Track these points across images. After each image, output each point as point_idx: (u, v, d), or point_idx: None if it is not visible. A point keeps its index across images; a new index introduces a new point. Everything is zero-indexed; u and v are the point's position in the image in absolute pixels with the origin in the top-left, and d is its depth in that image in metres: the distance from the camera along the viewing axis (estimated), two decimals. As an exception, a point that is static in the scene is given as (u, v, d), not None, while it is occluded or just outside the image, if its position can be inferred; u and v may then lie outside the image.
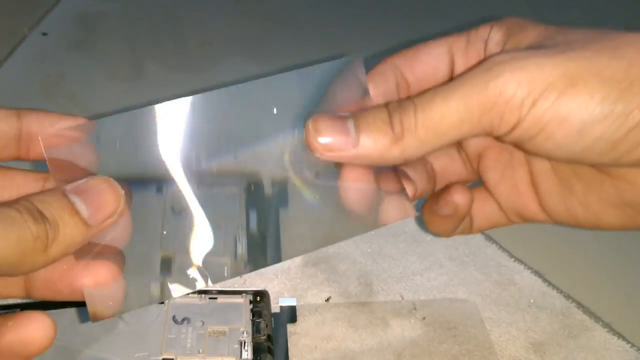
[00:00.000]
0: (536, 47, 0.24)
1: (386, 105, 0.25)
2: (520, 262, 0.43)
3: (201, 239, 0.26)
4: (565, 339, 0.38)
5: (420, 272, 0.42)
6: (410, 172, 0.30)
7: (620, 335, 0.38)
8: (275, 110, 0.28)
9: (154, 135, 0.26)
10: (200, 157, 0.26)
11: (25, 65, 0.66)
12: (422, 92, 0.25)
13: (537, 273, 0.42)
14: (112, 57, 0.69)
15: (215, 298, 0.37)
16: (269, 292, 0.38)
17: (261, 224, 0.27)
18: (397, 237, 0.45)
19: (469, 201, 0.29)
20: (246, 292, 0.38)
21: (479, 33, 0.28)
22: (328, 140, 0.25)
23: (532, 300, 0.40)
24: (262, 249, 0.27)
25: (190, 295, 0.37)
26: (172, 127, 0.26)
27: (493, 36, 0.28)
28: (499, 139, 0.25)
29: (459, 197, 0.29)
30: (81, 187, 0.23)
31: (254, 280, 0.41)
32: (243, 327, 0.35)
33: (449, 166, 0.32)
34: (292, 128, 0.27)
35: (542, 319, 0.39)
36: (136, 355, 0.33)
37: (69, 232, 0.22)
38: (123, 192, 0.24)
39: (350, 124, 0.25)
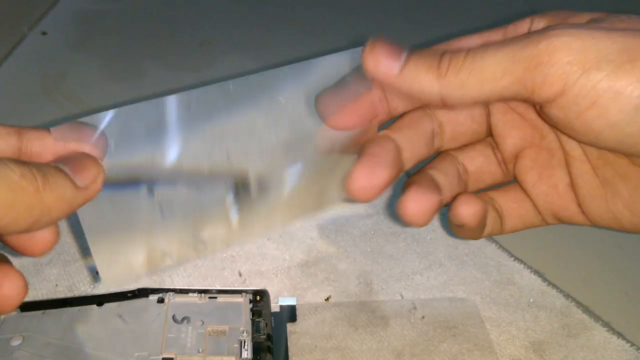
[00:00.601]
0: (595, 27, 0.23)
1: (442, 50, 0.25)
2: (520, 261, 0.43)
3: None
4: (565, 338, 0.38)
5: (420, 272, 0.42)
6: (440, 176, 0.30)
7: (620, 335, 0.38)
8: (282, 101, 0.28)
9: (149, 130, 0.27)
10: (192, 154, 0.27)
11: (25, 64, 0.66)
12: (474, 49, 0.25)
13: (536, 272, 0.42)
14: (112, 57, 0.69)
15: (215, 297, 0.37)
16: (269, 292, 0.38)
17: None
18: (397, 236, 0.45)
19: (477, 212, 0.28)
20: (246, 291, 0.38)
21: (518, 28, 0.28)
22: (381, 59, 0.26)
23: (531, 300, 0.40)
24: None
25: (189, 294, 0.37)
26: (168, 122, 0.27)
27: (536, 26, 0.27)
28: (543, 112, 0.24)
29: (463, 209, 0.28)
30: (62, 158, 0.24)
31: (254, 280, 0.41)
32: (243, 327, 0.35)
33: (484, 167, 0.31)
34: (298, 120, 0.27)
35: (542, 318, 0.39)
36: (136, 354, 0.33)
37: (59, 183, 0.22)
38: (101, 163, 0.24)
39: (404, 53, 0.26)
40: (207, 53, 0.71)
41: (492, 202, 0.30)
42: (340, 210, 0.46)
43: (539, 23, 0.26)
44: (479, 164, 0.31)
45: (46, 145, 0.24)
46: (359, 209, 0.46)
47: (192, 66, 0.68)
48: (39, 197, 0.21)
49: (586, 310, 0.40)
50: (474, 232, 0.29)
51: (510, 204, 0.30)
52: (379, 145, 0.28)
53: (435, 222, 0.46)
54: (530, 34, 0.24)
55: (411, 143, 0.29)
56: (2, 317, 0.34)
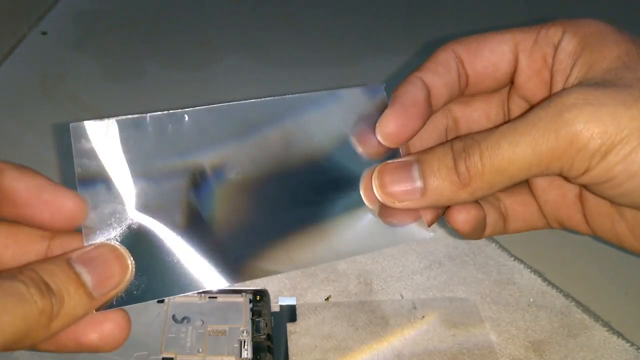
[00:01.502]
0: (612, 84, 0.23)
1: (450, 145, 0.25)
2: (520, 261, 0.43)
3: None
4: (565, 338, 0.38)
5: (420, 271, 0.42)
6: None
7: (619, 334, 0.38)
8: (298, 130, 0.27)
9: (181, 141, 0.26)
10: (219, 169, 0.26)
11: (25, 64, 0.66)
12: (486, 132, 0.24)
13: (536, 272, 0.42)
14: (112, 56, 0.69)
15: (215, 297, 0.37)
16: (269, 291, 0.38)
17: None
18: (397, 236, 0.45)
19: (470, 219, 0.28)
20: (246, 291, 0.38)
21: (549, 35, 0.27)
22: (395, 190, 0.25)
23: (531, 300, 0.40)
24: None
25: (189, 294, 0.37)
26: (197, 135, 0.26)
27: (565, 45, 0.26)
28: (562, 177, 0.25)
29: (457, 216, 0.28)
30: (87, 256, 0.22)
31: (254, 280, 0.41)
32: (243, 327, 0.35)
33: None
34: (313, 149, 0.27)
35: (542, 318, 0.39)
36: (136, 354, 0.33)
37: (73, 305, 0.21)
38: (130, 260, 0.23)
39: (415, 172, 0.25)
40: (207, 53, 0.71)
41: (498, 202, 0.30)
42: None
43: (570, 42, 0.26)
44: None
45: (19, 187, 0.23)
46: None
47: (192, 66, 0.68)
48: (48, 328, 0.21)
49: (586, 310, 0.40)
50: (474, 233, 0.29)
51: (516, 206, 0.30)
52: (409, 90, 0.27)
53: (436, 222, 0.46)
54: (544, 110, 0.23)
55: (423, 140, 0.29)
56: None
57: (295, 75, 0.67)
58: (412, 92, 0.26)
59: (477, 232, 0.29)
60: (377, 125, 0.26)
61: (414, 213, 0.27)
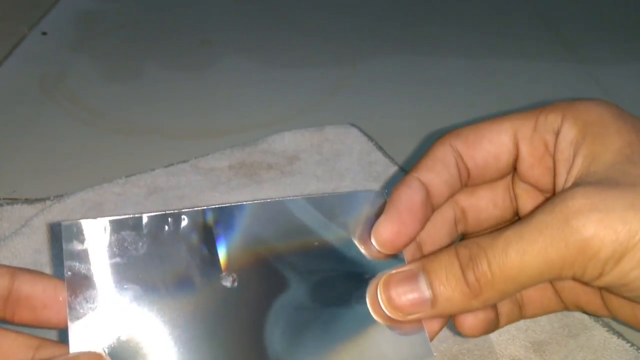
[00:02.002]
0: (617, 182, 0.22)
1: (456, 252, 0.24)
2: (520, 261, 0.43)
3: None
4: (565, 338, 0.38)
5: (420, 272, 0.42)
6: None
7: (619, 335, 0.38)
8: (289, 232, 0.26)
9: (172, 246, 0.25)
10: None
11: (25, 64, 0.66)
12: (491, 238, 0.23)
13: (536, 272, 0.42)
14: (112, 57, 0.69)
15: None
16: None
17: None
18: (397, 236, 0.45)
19: (479, 323, 0.26)
20: None
21: (549, 121, 0.26)
22: (403, 304, 0.24)
23: (531, 300, 0.40)
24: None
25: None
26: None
27: (566, 133, 0.25)
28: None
29: (464, 321, 0.26)
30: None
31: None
32: None
33: None
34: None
35: (542, 318, 0.39)
36: None
37: None
38: None
39: (423, 283, 0.24)
40: (207, 53, 0.71)
41: None
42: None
43: (570, 131, 0.25)
44: None
45: (36, 290, 0.24)
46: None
47: (192, 66, 0.68)
48: None
49: (586, 310, 0.40)
50: (486, 333, 0.27)
51: (532, 292, 0.29)
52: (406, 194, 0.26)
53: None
54: (550, 215, 0.22)
55: (431, 235, 0.28)
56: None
57: (296, 75, 0.67)
58: (407, 196, 0.26)
59: (489, 331, 0.27)
60: (372, 232, 0.26)
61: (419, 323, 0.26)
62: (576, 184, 0.23)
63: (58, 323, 0.23)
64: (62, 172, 0.50)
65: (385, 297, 0.25)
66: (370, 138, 0.54)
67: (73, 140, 0.54)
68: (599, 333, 0.38)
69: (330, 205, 0.27)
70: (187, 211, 0.25)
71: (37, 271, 0.25)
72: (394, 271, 0.25)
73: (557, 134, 0.25)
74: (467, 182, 0.28)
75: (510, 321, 0.29)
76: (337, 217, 0.27)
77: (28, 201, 0.45)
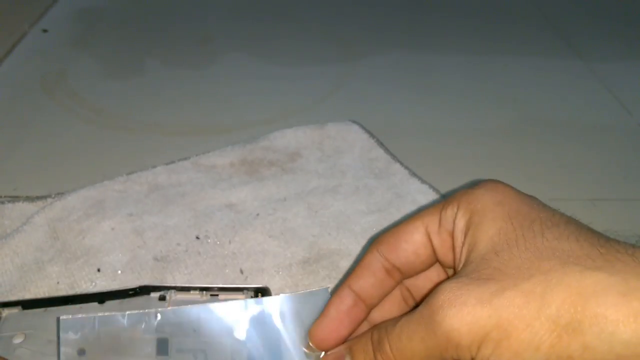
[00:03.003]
0: (479, 273, 0.26)
1: (371, 335, 0.29)
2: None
3: None
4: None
5: (422, 269, 0.42)
6: None
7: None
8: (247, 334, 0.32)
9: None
10: None
11: (26, 62, 0.66)
12: (393, 322, 0.28)
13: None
14: (113, 54, 0.69)
15: (217, 295, 0.37)
16: (270, 289, 0.38)
17: None
18: (399, 233, 0.45)
19: None
20: (247, 288, 0.37)
21: (448, 214, 0.30)
22: None
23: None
24: None
25: (191, 292, 0.37)
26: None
27: (458, 223, 0.29)
28: None
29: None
30: None
31: (255, 277, 0.41)
32: None
33: None
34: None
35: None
36: None
37: None
38: None
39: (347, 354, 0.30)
40: (207, 50, 0.71)
41: None
42: (342, 207, 0.46)
43: (460, 221, 0.29)
44: None
45: None
46: (361, 206, 0.46)
47: (193, 63, 0.68)
48: None
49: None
50: None
51: None
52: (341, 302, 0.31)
53: None
54: (426, 308, 0.26)
55: (384, 312, 0.33)
56: (4, 315, 0.34)
57: (297, 72, 0.67)
58: (336, 305, 0.31)
59: None
60: (308, 333, 0.31)
61: None
62: (453, 276, 0.27)
63: None
64: (63, 170, 0.50)
65: None
66: (372, 135, 0.54)
67: (74, 138, 0.54)
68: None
69: (288, 305, 0.32)
70: (160, 310, 0.31)
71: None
72: (328, 353, 0.31)
73: (454, 223, 0.29)
74: (401, 277, 0.32)
75: None
76: (287, 315, 0.32)
77: (29, 199, 0.45)
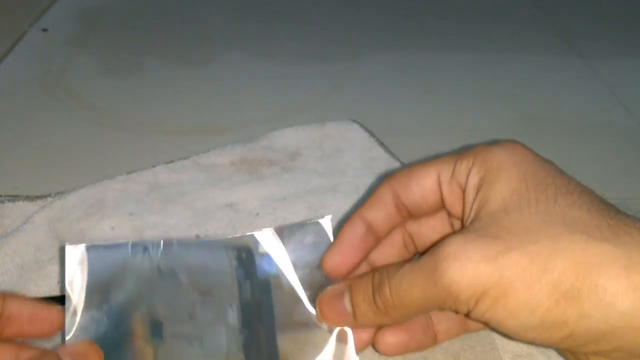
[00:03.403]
0: (487, 230, 0.26)
1: (372, 277, 0.29)
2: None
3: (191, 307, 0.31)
4: (567, 334, 0.38)
5: (422, 268, 0.42)
6: None
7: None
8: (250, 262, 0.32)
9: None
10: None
11: (26, 61, 0.66)
12: (395, 268, 0.28)
13: (538, 268, 0.42)
14: (113, 53, 0.69)
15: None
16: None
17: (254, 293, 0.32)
18: (399, 232, 0.45)
19: (396, 344, 0.31)
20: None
21: (463, 167, 0.30)
22: (332, 317, 0.31)
23: (533, 296, 0.40)
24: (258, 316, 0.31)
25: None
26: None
27: (471, 178, 0.29)
28: None
29: (387, 338, 0.31)
30: (70, 349, 0.28)
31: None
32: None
33: None
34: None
35: (544, 314, 0.39)
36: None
37: None
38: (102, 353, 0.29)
39: (347, 301, 0.30)
40: (208, 49, 0.71)
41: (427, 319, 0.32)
42: (342, 206, 0.46)
43: (474, 177, 0.29)
44: None
45: (23, 310, 0.29)
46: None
47: (193, 62, 0.68)
48: None
49: (588, 306, 0.39)
50: (404, 350, 0.32)
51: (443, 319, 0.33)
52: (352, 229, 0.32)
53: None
54: (430, 258, 0.26)
55: (385, 255, 0.33)
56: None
57: (297, 70, 0.67)
58: (349, 232, 0.31)
59: (407, 350, 0.32)
60: (321, 261, 0.31)
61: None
62: (460, 231, 0.28)
63: (39, 334, 0.29)
64: (63, 169, 0.50)
65: (319, 310, 0.31)
66: (372, 134, 0.54)
67: (74, 137, 0.54)
68: (601, 329, 0.38)
69: (282, 236, 0.33)
70: (165, 240, 0.32)
71: (22, 295, 0.32)
72: (328, 288, 0.31)
73: (467, 178, 0.30)
74: (408, 215, 0.33)
75: (450, 337, 0.33)
76: (288, 246, 0.33)
77: (29, 198, 0.45)
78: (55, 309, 0.30)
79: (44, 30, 0.72)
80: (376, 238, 0.32)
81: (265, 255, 0.32)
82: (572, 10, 0.85)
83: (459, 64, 0.70)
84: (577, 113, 0.62)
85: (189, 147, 0.52)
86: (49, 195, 0.45)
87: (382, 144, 0.53)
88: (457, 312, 0.27)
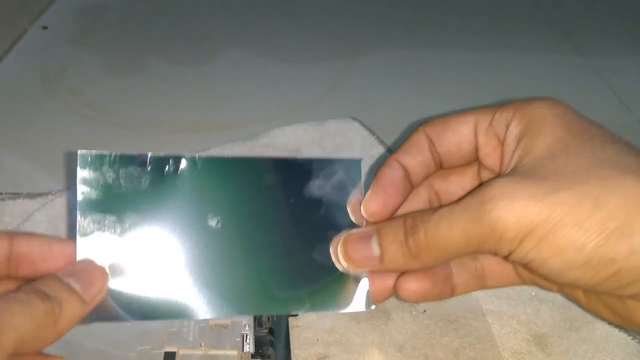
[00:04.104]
0: (533, 174, 0.26)
1: (404, 220, 0.28)
2: (522, 255, 0.43)
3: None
4: (567, 332, 0.38)
5: (422, 265, 0.42)
6: None
7: (621, 328, 0.38)
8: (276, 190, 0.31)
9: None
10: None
11: (26, 59, 0.66)
12: (431, 211, 0.27)
13: (538, 266, 0.42)
14: (113, 51, 0.69)
15: None
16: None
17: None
18: (399, 230, 0.45)
19: (412, 291, 0.30)
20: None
21: (502, 118, 0.30)
22: (357, 258, 0.30)
23: (533, 293, 0.40)
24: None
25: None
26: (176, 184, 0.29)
27: (512, 129, 0.29)
28: None
29: (404, 286, 0.30)
30: (71, 269, 0.27)
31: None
32: (245, 321, 0.35)
33: None
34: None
35: (544, 312, 0.39)
36: (138, 348, 0.33)
37: (71, 308, 0.25)
38: (107, 270, 0.28)
39: (375, 243, 0.29)
40: (208, 47, 0.71)
41: (474, 262, 0.32)
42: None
43: (516, 128, 0.29)
44: None
45: (33, 249, 0.27)
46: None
47: (194, 60, 0.68)
48: (55, 328, 0.25)
49: (588, 303, 0.40)
50: (425, 298, 0.31)
51: (493, 265, 0.32)
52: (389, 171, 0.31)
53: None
54: (474, 198, 0.26)
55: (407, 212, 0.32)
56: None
57: (297, 69, 0.67)
58: (389, 174, 0.31)
59: (427, 299, 0.31)
60: (362, 205, 0.30)
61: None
62: (506, 174, 0.27)
63: (55, 270, 0.27)
64: (64, 167, 0.50)
65: (342, 251, 0.30)
66: (372, 132, 0.54)
67: (74, 135, 0.54)
68: (600, 326, 0.38)
69: (311, 168, 0.31)
70: (186, 156, 0.29)
71: (32, 233, 0.29)
72: (353, 231, 0.30)
73: (507, 129, 0.29)
74: (440, 165, 0.32)
75: (467, 291, 0.32)
76: (316, 179, 0.31)
77: (30, 196, 0.45)
78: (68, 242, 0.28)
79: (45, 28, 0.72)
80: (411, 185, 0.31)
81: (291, 185, 0.31)
82: (572, 8, 0.85)
83: (458, 61, 0.70)
84: (578, 111, 0.62)
85: (189, 145, 0.52)
86: (50, 193, 0.45)
87: (382, 142, 0.53)
88: (495, 253, 0.26)
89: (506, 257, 0.26)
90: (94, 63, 0.66)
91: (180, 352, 0.33)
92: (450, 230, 0.26)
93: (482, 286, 0.33)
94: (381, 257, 0.29)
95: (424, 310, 0.39)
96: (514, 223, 0.24)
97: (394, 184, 0.30)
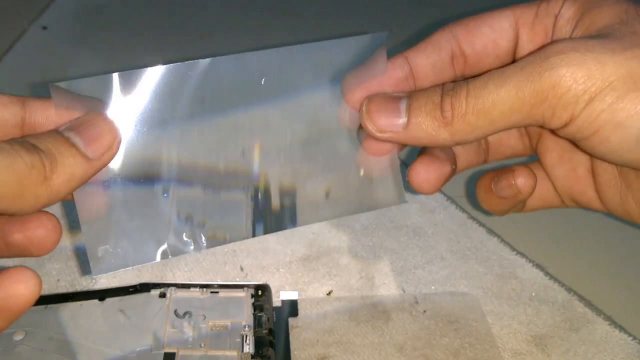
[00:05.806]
0: (605, 36, 0.22)
1: (442, 85, 0.25)
2: (522, 255, 0.43)
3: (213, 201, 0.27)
4: (567, 332, 0.38)
5: (422, 266, 0.42)
6: (457, 146, 0.29)
7: (621, 328, 0.38)
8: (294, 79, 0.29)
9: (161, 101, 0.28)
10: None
11: (25, 59, 0.66)
12: (478, 76, 0.24)
13: (538, 266, 0.42)
14: (113, 51, 0.69)
15: (217, 292, 0.37)
16: (271, 286, 0.38)
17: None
18: (399, 230, 0.45)
19: (532, 185, 0.28)
20: (248, 286, 0.38)
21: (550, 7, 0.26)
22: (380, 119, 0.26)
23: (533, 294, 0.40)
24: (277, 215, 0.28)
25: (191, 289, 0.37)
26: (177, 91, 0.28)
27: (564, 12, 0.25)
28: (551, 132, 0.24)
29: (522, 182, 0.28)
30: (74, 123, 0.24)
31: (256, 274, 0.41)
32: (245, 321, 0.35)
33: (505, 139, 0.31)
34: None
35: (544, 312, 0.39)
36: (138, 349, 0.33)
37: (68, 163, 0.22)
38: (117, 126, 0.24)
39: (403, 105, 0.25)
40: (207, 46, 0.71)
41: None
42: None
43: (569, 9, 0.25)
44: (499, 136, 0.30)
45: (50, 116, 0.24)
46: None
47: (193, 59, 0.68)
48: (47, 184, 0.21)
49: (588, 303, 0.39)
50: (509, 206, 0.29)
51: (538, 188, 0.30)
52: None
53: (437, 216, 0.46)
54: (533, 55, 0.23)
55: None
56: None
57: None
58: (390, 70, 0.27)
59: (508, 207, 0.29)
60: (362, 118, 0.26)
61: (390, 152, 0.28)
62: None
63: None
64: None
65: (366, 109, 0.26)
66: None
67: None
68: (600, 327, 0.38)
69: (325, 51, 0.29)
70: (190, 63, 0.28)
71: (44, 98, 0.25)
72: (382, 92, 0.27)
73: (557, 16, 0.26)
74: (463, 70, 0.28)
75: (515, 210, 0.30)
76: (332, 64, 0.28)
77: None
78: (96, 101, 0.26)
79: (44, 28, 0.72)
80: (416, 86, 0.28)
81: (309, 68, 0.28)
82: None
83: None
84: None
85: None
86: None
87: (382, 142, 0.53)
88: (547, 123, 0.23)
89: (558, 131, 0.23)
90: (94, 63, 0.66)
91: (180, 353, 0.33)
92: (500, 89, 0.22)
93: (523, 208, 0.30)
94: (407, 122, 0.25)
95: (424, 311, 0.39)
96: (585, 76, 0.21)
97: (390, 82, 0.27)
